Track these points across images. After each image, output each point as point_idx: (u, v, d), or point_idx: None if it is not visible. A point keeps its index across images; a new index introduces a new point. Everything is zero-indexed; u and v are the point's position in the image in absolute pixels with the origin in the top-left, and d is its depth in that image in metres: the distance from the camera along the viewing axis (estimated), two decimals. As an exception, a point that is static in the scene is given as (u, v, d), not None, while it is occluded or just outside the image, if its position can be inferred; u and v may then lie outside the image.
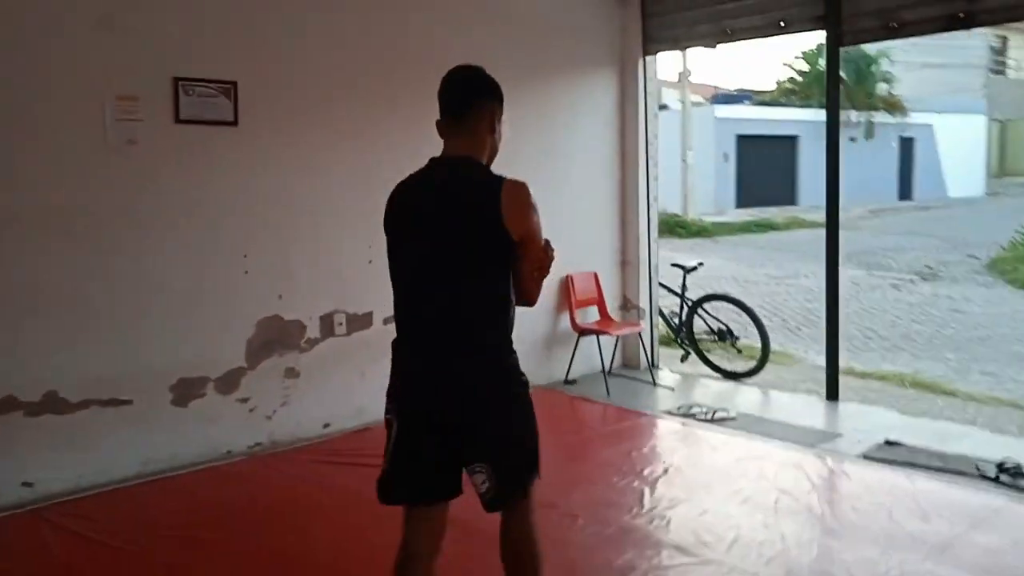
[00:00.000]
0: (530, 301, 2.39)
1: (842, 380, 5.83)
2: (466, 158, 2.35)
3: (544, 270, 2.32)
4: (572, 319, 6.19)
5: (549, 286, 5.41)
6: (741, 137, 23.50)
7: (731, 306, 6.82)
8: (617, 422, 5.39)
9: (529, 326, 6.05)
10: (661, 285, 6.87)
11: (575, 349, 6.16)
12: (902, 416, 5.40)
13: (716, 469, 4.44)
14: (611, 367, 6.43)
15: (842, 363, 5.93)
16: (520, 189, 2.28)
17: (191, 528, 3.70)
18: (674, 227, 20.01)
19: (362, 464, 3.87)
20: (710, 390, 6.21)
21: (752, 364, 6.50)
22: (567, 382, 6.18)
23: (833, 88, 5.67)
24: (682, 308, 6.86)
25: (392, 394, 2.38)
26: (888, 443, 4.73)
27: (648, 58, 6.52)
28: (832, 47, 5.48)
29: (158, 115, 4.31)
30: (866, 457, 4.55)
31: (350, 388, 5.05)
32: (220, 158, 4.55)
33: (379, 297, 5.33)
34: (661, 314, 6.96)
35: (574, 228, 6.25)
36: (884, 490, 4.05)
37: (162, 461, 4.35)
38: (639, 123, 6.52)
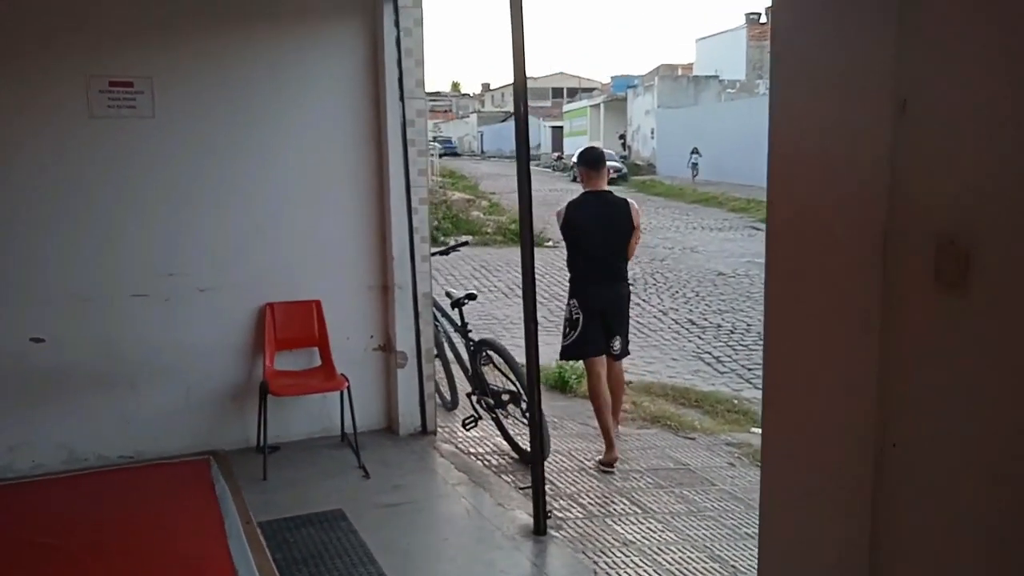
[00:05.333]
0: (630, 258, 4.84)
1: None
2: (608, 191, 4.84)
3: (638, 241, 4.90)
4: (265, 365, 4.55)
5: (244, 320, 4.59)
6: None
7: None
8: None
9: (206, 370, 4.56)
10: (443, 315, 4.97)
11: (262, 406, 4.45)
12: None
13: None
14: (343, 430, 4.66)
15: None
16: (635, 206, 4.79)
17: None
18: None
19: None
20: (415, 486, 4.33)
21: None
22: (259, 449, 4.54)
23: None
24: (468, 351, 4.92)
25: (579, 303, 4.68)
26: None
27: (401, -2, 4.58)
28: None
29: None
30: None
31: None
32: None
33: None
34: (457, 357, 5.06)
35: (289, 238, 4.62)
36: None
37: None
38: (388, 96, 4.63)
